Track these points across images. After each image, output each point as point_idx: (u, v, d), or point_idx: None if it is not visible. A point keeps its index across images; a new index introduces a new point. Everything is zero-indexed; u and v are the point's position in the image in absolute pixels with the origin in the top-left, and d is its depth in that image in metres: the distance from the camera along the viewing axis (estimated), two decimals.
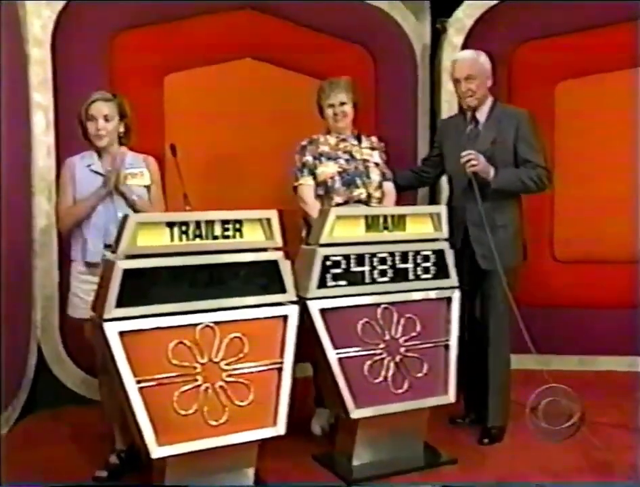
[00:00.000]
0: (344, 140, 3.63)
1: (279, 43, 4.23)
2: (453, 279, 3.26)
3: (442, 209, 3.27)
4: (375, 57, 4.46)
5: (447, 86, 4.41)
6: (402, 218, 3.17)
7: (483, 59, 3.52)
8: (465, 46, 4.40)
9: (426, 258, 3.21)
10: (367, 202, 3.51)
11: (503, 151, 3.47)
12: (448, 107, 4.44)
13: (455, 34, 4.48)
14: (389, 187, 3.64)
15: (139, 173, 3.19)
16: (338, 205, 3.52)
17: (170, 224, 2.70)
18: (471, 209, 3.44)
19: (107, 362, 2.68)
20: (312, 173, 3.56)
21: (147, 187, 3.21)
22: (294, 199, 3.58)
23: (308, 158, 3.57)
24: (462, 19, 4.48)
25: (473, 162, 3.38)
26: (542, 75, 4.49)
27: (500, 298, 3.40)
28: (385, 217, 3.15)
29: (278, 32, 4.23)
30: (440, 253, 3.24)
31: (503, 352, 3.50)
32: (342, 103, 3.56)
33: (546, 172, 3.51)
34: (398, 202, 3.64)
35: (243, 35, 4.17)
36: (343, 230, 3.07)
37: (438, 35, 4.57)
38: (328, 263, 3.03)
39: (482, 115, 3.54)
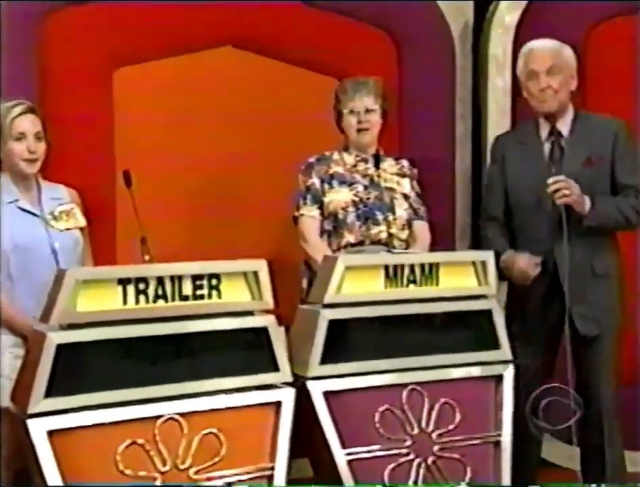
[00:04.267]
0: (365, 160, 3.70)
1: (268, 26, 4.23)
2: (505, 351, 3.32)
3: (489, 256, 3.30)
4: (399, 43, 4.44)
5: (495, 81, 4.44)
6: (434, 267, 3.20)
7: (569, 52, 3.68)
8: (519, 27, 4.43)
9: (467, 322, 3.26)
10: (387, 244, 3.56)
11: (599, 175, 3.58)
12: (496, 109, 4.45)
13: (507, 11, 4.49)
14: (420, 227, 3.72)
15: (71, 210, 3.27)
16: (350, 246, 3.60)
17: (123, 282, 2.72)
18: (561, 252, 3.49)
19: (32, 471, 2.68)
20: (319, 201, 3.65)
21: (82, 230, 3.30)
22: (296, 234, 3.68)
23: (315, 181, 3.67)
24: None
25: (565, 192, 3.44)
26: (628, 66, 4.46)
27: (608, 376, 3.53)
28: (411, 267, 3.17)
29: (267, 11, 4.21)
30: (486, 316, 3.28)
31: (617, 452, 3.59)
32: (369, 111, 3.64)
33: None
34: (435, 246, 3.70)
35: (221, 15, 4.17)
36: (355, 285, 3.09)
37: (483, 11, 4.59)
38: (335, 330, 3.05)
39: (564, 126, 3.64)
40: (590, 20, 4.51)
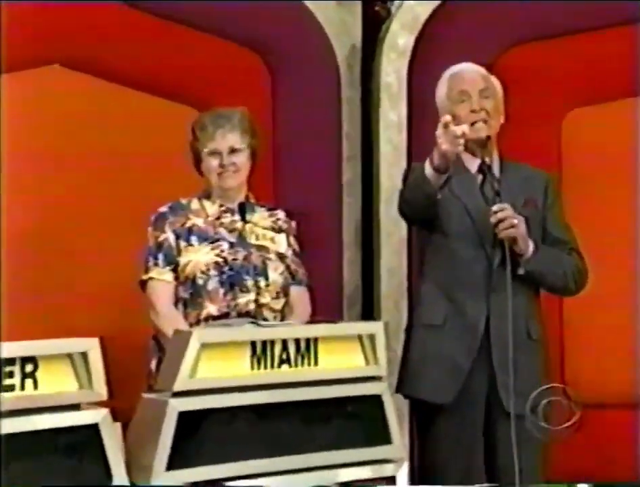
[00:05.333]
0: (231, 211, 3.64)
1: (105, 42, 4.21)
2: (397, 446, 3.24)
3: (379, 328, 3.22)
4: (272, 68, 4.46)
5: (389, 115, 4.44)
6: (312, 343, 3.14)
7: (497, 82, 3.75)
8: (415, 51, 4.44)
9: (354, 412, 3.19)
10: (256, 316, 3.51)
11: (534, 221, 3.61)
12: (391, 148, 4.44)
13: (402, 32, 4.49)
14: (299, 294, 3.69)
15: None
16: (211, 318, 3.54)
17: None
18: (496, 306, 3.51)
19: None
20: (174, 262, 3.59)
21: None
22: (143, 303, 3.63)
23: (169, 236, 3.61)
24: (413, 8, 4.48)
25: (513, 221, 3.43)
26: (542, 99, 4.51)
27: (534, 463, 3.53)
28: (284, 343, 3.09)
29: (106, 23, 4.19)
30: (375, 403, 3.21)
31: None
32: (234, 151, 3.59)
33: (584, 264, 3.69)
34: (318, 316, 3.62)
35: (46, 29, 4.11)
36: (213, 366, 3.00)
37: (373, 32, 4.58)
38: (187, 425, 2.91)
39: (494, 164, 3.67)
40: (498, 45, 4.52)
